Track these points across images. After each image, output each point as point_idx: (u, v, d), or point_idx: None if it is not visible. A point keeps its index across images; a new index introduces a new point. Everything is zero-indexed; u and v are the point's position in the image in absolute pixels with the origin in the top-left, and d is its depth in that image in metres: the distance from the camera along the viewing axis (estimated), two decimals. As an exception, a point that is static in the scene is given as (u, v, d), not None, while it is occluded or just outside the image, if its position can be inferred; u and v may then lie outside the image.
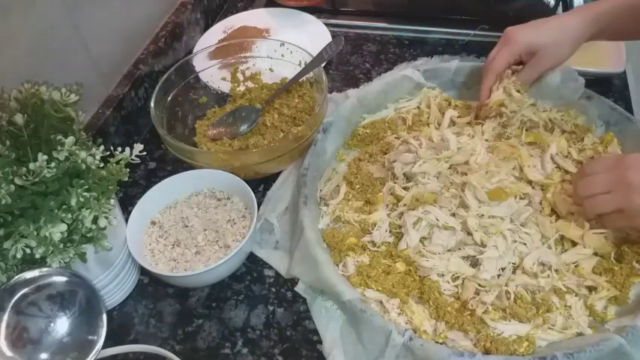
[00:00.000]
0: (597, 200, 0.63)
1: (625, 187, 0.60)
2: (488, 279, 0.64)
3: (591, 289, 0.65)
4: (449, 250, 0.68)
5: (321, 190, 0.77)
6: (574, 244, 0.68)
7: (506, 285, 0.64)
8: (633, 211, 0.60)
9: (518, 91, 0.78)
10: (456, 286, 0.65)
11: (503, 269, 0.66)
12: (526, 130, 0.80)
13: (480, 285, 0.65)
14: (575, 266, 0.66)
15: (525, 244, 0.67)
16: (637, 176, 0.59)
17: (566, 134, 0.80)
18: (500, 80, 0.78)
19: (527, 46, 0.75)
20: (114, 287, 0.69)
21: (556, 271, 0.65)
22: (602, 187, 0.62)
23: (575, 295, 0.64)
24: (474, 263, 0.67)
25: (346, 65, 1.02)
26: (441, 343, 0.62)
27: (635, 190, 0.59)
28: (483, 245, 0.66)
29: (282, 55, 0.93)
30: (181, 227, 0.75)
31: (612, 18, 0.73)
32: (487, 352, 0.60)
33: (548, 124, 0.81)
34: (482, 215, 0.68)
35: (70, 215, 0.57)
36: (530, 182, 0.73)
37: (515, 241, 0.67)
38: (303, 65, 0.90)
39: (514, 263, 0.66)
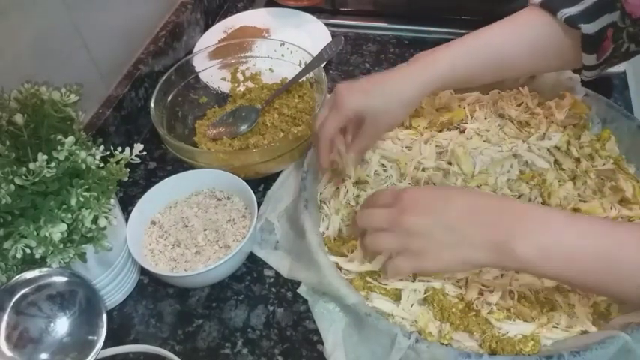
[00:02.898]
0: (378, 237, 0.60)
1: (402, 229, 0.58)
2: (492, 279, 0.64)
3: None
4: None
5: (321, 194, 0.77)
6: None
7: (509, 285, 0.64)
8: (413, 253, 0.58)
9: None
10: (460, 287, 0.65)
11: None
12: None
13: (483, 285, 0.64)
14: None
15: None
16: (412, 218, 0.57)
17: (567, 130, 0.80)
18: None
19: (356, 113, 0.68)
20: (114, 287, 0.69)
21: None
22: (380, 222, 0.60)
23: (579, 293, 0.64)
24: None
25: (346, 65, 1.02)
26: (447, 345, 0.62)
27: (410, 234, 0.57)
28: None
29: (282, 55, 0.93)
30: (181, 227, 0.75)
31: (451, 78, 0.68)
32: (493, 352, 0.60)
33: (540, 113, 0.81)
34: None
35: (70, 215, 0.57)
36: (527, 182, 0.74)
37: None
38: (303, 65, 0.90)
39: None
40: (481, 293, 0.64)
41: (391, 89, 0.68)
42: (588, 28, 0.64)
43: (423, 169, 0.74)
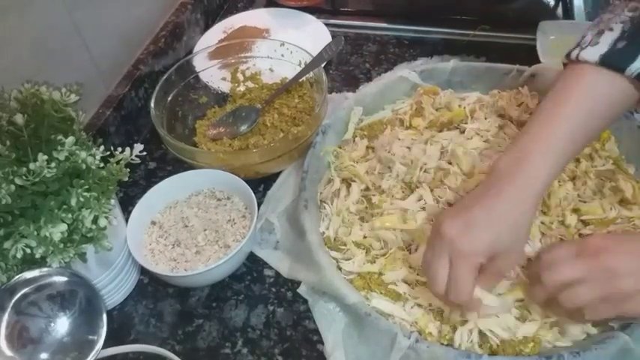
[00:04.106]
0: (576, 291, 0.54)
1: (604, 273, 0.53)
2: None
3: None
4: None
5: (321, 193, 0.77)
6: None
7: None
8: (621, 297, 0.53)
9: None
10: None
11: None
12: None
13: None
14: None
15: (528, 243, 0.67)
16: (614, 260, 0.53)
17: None
18: None
19: (487, 255, 0.56)
20: (114, 287, 0.69)
21: None
22: (577, 274, 0.54)
23: None
24: None
25: (346, 65, 1.02)
26: (447, 345, 0.62)
27: (617, 275, 0.53)
28: None
29: (282, 55, 0.93)
30: (181, 227, 0.75)
31: (559, 168, 0.60)
32: (493, 353, 0.60)
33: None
34: None
35: (70, 215, 0.57)
36: None
37: None
38: (303, 65, 0.90)
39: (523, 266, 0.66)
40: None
41: (516, 222, 0.57)
42: None
43: (425, 171, 0.74)
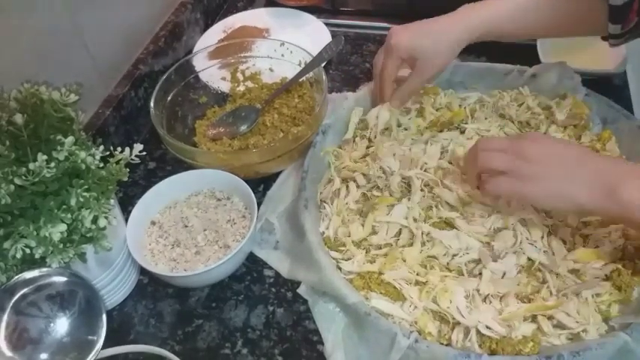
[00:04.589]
0: (498, 181, 0.63)
1: (520, 155, 0.61)
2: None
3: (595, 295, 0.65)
4: (454, 255, 0.68)
5: (321, 193, 0.77)
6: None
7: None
8: (523, 176, 0.61)
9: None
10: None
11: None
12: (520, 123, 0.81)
13: None
14: (579, 274, 0.66)
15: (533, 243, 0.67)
16: (533, 145, 0.61)
17: (567, 130, 0.80)
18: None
19: (407, 53, 0.76)
20: (114, 287, 0.69)
21: (557, 274, 0.65)
22: (504, 162, 0.62)
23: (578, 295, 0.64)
24: (472, 270, 0.67)
25: (346, 65, 1.02)
26: (446, 345, 0.62)
27: (528, 159, 0.60)
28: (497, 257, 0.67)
29: (282, 55, 0.93)
30: (181, 227, 0.75)
31: (493, 25, 0.74)
32: (493, 352, 0.60)
33: (541, 113, 0.81)
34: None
35: (69, 215, 0.57)
36: None
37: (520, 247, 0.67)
38: (303, 65, 0.90)
39: (522, 265, 0.66)
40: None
41: (439, 30, 0.75)
42: (616, 0, 0.66)
43: (426, 170, 0.74)
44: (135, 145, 0.63)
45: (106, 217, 0.59)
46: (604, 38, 0.75)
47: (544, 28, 0.76)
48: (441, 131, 0.82)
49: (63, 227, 0.56)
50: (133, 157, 0.63)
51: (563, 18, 0.74)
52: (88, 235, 0.59)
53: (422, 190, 0.72)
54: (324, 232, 0.72)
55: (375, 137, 0.81)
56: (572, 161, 0.60)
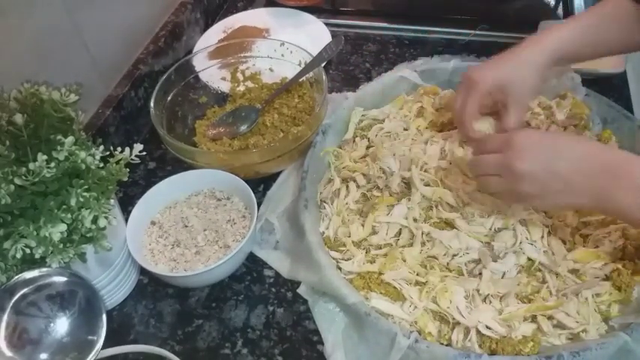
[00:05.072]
0: (489, 181, 0.65)
1: (511, 175, 0.61)
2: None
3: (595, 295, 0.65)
4: (454, 255, 0.68)
5: (321, 193, 0.77)
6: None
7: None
8: (521, 196, 0.62)
9: None
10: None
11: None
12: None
13: None
14: (579, 274, 0.66)
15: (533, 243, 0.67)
16: (523, 165, 0.60)
17: (568, 130, 0.80)
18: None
19: (494, 85, 0.72)
20: (114, 287, 0.69)
21: (557, 274, 0.65)
22: (492, 169, 0.64)
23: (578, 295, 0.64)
24: (472, 270, 0.67)
25: (346, 65, 1.02)
26: (447, 345, 0.62)
27: (522, 180, 0.60)
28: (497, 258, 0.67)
29: (282, 55, 0.93)
30: (181, 227, 0.75)
31: (568, 47, 0.73)
32: (493, 352, 0.60)
33: (541, 113, 0.81)
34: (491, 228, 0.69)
35: (69, 215, 0.57)
36: None
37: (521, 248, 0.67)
38: (303, 65, 0.90)
39: (522, 265, 0.66)
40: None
41: (521, 58, 0.72)
42: None
43: (426, 170, 0.74)
44: (135, 145, 0.63)
45: (106, 217, 0.59)
46: None
47: (606, 45, 0.75)
48: (440, 131, 0.82)
49: (63, 227, 0.56)
50: (133, 157, 0.63)
51: (629, 34, 0.73)
52: (88, 235, 0.59)
53: (423, 191, 0.72)
54: (324, 232, 0.72)
55: (376, 136, 0.81)
56: (564, 173, 0.59)
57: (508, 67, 0.72)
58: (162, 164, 0.88)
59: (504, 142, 0.63)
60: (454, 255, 0.67)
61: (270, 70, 0.96)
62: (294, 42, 0.92)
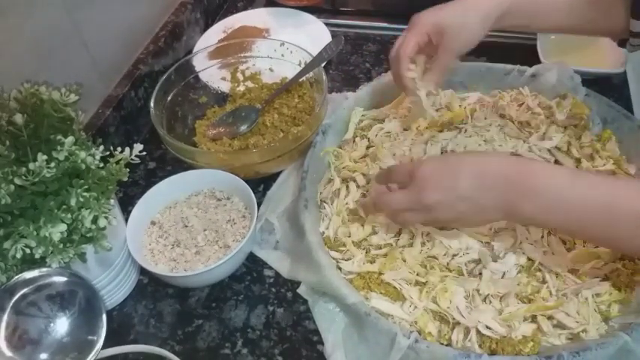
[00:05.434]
0: (405, 217, 0.65)
1: (424, 207, 0.62)
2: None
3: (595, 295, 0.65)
4: (454, 255, 0.68)
5: (321, 193, 0.77)
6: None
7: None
8: (442, 223, 0.66)
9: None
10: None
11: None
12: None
13: None
14: (579, 274, 0.66)
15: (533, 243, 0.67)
16: (430, 197, 0.61)
17: (568, 130, 0.80)
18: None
19: (434, 26, 0.72)
20: (114, 287, 0.69)
21: (557, 274, 0.65)
22: (404, 205, 0.64)
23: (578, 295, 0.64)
24: (472, 270, 0.67)
25: (346, 65, 1.02)
26: (447, 345, 0.62)
27: (433, 209, 0.61)
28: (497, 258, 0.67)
29: (282, 55, 0.93)
30: (181, 227, 0.75)
31: (518, 3, 0.72)
32: (493, 352, 0.60)
33: (541, 113, 0.82)
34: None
35: (69, 215, 0.57)
36: None
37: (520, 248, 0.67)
38: (303, 65, 0.90)
39: (522, 265, 0.66)
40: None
41: (466, 5, 0.72)
42: None
43: None
44: (135, 145, 0.63)
45: (106, 217, 0.59)
46: (621, 43, 0.74)
47: (565, 13, 0.74)
48: (441, 131, 0.82)
49: (63, 227, 0.56)
50: (133, 157, 0.63)
51: (584, 9, 0.72)
52: (88, 235, 0.59)
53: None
54: (324, 232, 0.72)
55: (376, 136, 0.81)
56: (469, 194, 0.59)
57: (450, 12, 0.72)
58: (162, 164, 0.88)
59: (408, 175, 0.63)
60: (454, 255, 0.67)
61: (270, 70, 0.96)
62: (294, 42, 0.92)
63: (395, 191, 0.66)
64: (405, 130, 0.83)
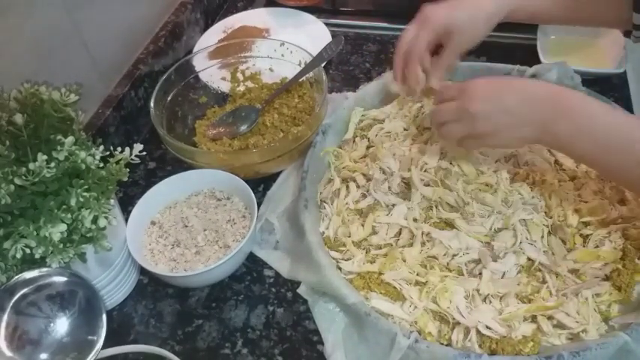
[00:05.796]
0: (450, 128, 0.68)
1: (467, 117, 0.65)
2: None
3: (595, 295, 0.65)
4: (454, 255, 0.68)
5: (321, 193, 0.77)
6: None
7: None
8: (478, 135, 0.67)
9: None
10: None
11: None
12: None
13: None
14: (579, 274, 0.66)
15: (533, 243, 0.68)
16: (477, 106, 0.64)
17: None
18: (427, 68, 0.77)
19: (444, 26, 0.74)
20: (114, 287, 0.69)
21: (557, 274, 0.65)
22: (451, 115, 0.68)
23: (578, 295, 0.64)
24: (472, 270, 0.67)
25: (346, 65, 1.02)
26: (446, 345, 0.62)
27: (477, 119, 0.65)
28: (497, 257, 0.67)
29: (282, 55, 0.93)
30: (181, 227, 0.75)
31: (518, 6, 0.75)
32: (493, 352, 0.60)
33: None
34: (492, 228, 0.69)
35: (69, 215, 0.57)
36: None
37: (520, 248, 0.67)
38: (303, 65, 0.90)
39: (522, 265, 0.66)
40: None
41: (475, 4, 0.74)
42: None
43: (426, 170, 0.74)
44: (135, 145, 0.63)
45: (106, 217, 0.59)
46: (626, 34, 0.75)
47: (567, 8, 0.76)
48: None
49: (63, 227, 0.56)
50: (133, 157, 0.63)
51: (584, 3, 0.75)
52: (88, 235, 0.59)
53: (423, 191, 0.72)
54: (324, 232, 0.72)
55: (376, 136, 0.81)
56: (513, 107, 0.63)
57: (461, 13, 0.74)
58: (163, 164, 0.88)
59: (460, 89, 0.67)
60: (454, 255, 0.67)
61: (270, 70, 0.96)
62: (294, 42, 0.92)
63: (446, 102, 0.69)
64: (406, 130, 0.83)
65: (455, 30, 0.74)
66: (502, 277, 0.65)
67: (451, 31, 0.74)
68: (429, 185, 0.73)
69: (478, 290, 0.64)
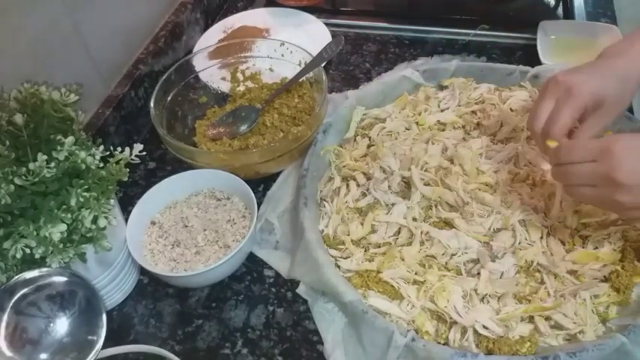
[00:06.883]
0: (583, 191, 0.61)
1: (612, 185, 0.57)
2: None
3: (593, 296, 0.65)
4: (453, 254, 0.68)
5: (321, 191, 0.77)
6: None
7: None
8: (618, 206, 0.59)
9: None
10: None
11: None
12: None
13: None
14: (578, 275, 0.66)
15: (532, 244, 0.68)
16: (625, 177, 0.56)
17: None
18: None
19: (593, 98, 0.64)
20: (114, 287, 0.69)
21: (555, 275, 0.65)
22: (587, 180, 0.59)
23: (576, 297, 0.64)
24: (470, 270, 0.67)
25: (346, 65, 1.02)
26: (443, 344, 0.62)
27: (621, 191, 0.57)
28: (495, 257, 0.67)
29: (282, 55, 0.93)
30: (181, 227, 0.75)
31: None
32: (489, 352, 0.60)
33: None
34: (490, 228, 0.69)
35: (69, 215, 0.57)
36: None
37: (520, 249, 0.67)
38: (303, 65, 0.90)
39: (520, 266, 0.66)
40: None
41: (619, 74, 0.66)
42: None
43: (426, 170, 0.74)
44: (135, 145, 0.63)
45: (106, 217, 0.60)
46: None
47: None
48: (442, 130, 0.82)
49: (63, 227, 0.56)
50: (133, 157, 0.63)
51: None
52: (88, 235, 0.59)
53: (423, 190, 0.72)
54: (323, 230, 0.73)
55: (377, 135, 0.81)
56: None
57: (606, 82, 0.65)
58: (163, 164, 0.89)
59: (600, 150, 0.58)
60: (453, 254, 0.67)
61: (270, 70, 0.96)
62: (294, 42, 0.92)
63: (579, 164, 0.60)
64: (407, 129, 0.83)
65: (604, 103, 0.65)
66: (500, 277, 0.65)
67: (601, 102, 0.65)
68: (428, 184, 0.73)
69: (476, 290, 0.64)
